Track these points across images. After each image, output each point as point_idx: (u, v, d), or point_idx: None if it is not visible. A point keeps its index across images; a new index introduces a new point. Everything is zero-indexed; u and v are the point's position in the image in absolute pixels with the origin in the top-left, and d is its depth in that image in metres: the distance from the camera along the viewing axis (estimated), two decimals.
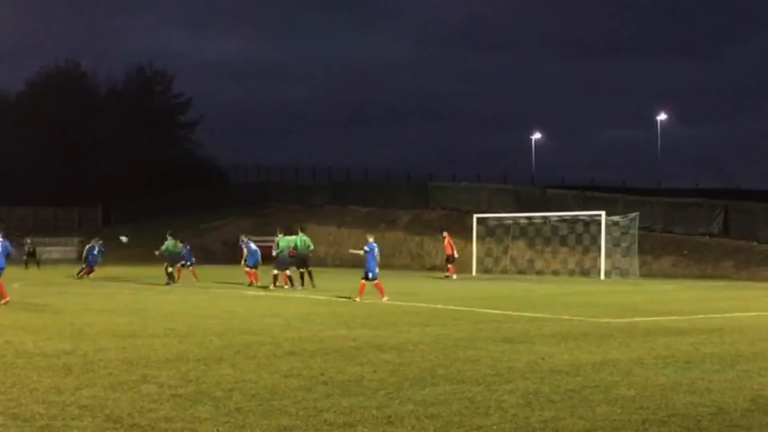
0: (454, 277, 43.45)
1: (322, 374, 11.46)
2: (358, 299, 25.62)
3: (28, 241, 57.89)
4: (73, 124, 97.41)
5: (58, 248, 71.82)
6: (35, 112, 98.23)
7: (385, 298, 25.63)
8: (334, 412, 9.05)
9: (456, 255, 44.43)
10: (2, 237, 28.73)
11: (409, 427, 8.40)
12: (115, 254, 71.57)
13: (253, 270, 34.85)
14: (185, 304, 24.43)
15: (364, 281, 26.20)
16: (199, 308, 22.94)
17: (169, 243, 36.92)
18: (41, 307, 23.27)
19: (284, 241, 33.13)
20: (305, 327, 17.84)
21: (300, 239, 33.54)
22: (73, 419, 8.62)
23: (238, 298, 27.67)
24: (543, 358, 13.14)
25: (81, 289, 32.39)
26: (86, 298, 27.23)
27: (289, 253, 32.96)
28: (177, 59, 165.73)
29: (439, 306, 23.93)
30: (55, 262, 65.90)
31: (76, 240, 73.12)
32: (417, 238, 62.94)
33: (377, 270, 26.40)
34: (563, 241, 50.59)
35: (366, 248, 26.49)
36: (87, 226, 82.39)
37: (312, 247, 34.66)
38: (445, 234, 46.62)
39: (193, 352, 13.53)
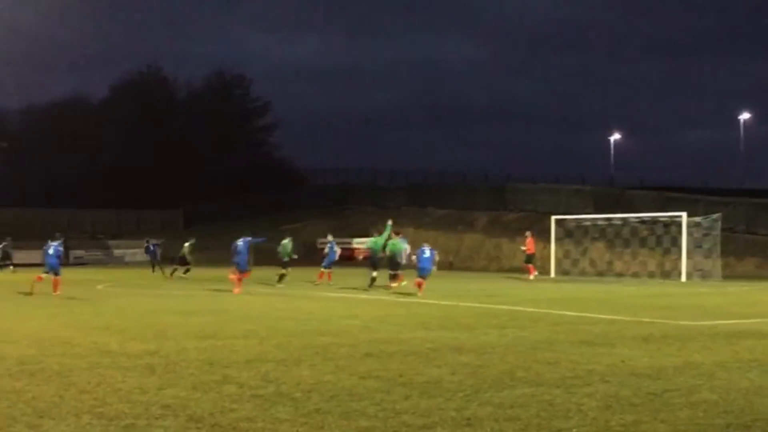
0: (531, 277, 43.23)
1: (401, 376, 11.48)
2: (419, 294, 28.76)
3: (5, 242, 57.35)
4: (155, 128, 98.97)
5: (142, 251, 72.85)
6: (118, 116, 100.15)
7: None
8: (413, 413, 9.07)
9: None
10: (58, 242, 31.81)
11: (488, 430, 8.38)
12: (197, 256, 72.61)
13: (327, 270, 36.63)
14: (264, 306, 24.67)
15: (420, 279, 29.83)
16: (278, 310, 23.13)
17: (287, 243, 39.16)
18: (125, 308, 23.70)
19: (394, 244, 33.24)
20: (383, 329, 17.90)
21: (393, 243, 33.72)
22: (156, 418, 8.78)
23: (316, 299, 27.86)
24: (623, 361, 12.99)
25: (162, 290, 32.90)
26: (167, 299, 27.67)
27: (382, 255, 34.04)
28: (256, 62, 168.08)
29: (517, 308, 23.81)
30: (139, 264, 66.89)
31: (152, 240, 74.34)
32: (494, 240, 62.70)
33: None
34: (643, 243, 49.90)
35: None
36: (169, 229, 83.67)
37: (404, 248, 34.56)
38: (528, 233, 46.39)
39: (272, 354, 13.67)
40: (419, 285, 29.62)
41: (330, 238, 38.91)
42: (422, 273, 30.28)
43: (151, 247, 50.73)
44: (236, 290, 31.00)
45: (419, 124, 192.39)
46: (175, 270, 43.37)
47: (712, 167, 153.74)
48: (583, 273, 49.30)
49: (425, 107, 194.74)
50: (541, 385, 10.86)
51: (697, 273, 44.42)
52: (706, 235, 45.60)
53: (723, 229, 46.70)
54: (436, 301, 26.22)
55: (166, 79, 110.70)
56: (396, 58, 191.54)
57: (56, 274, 30.85)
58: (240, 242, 33.20)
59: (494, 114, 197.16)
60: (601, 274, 48.93)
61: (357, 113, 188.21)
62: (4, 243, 57.31)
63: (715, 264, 44.85)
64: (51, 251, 31.68)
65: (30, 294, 29.09)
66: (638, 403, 9.73)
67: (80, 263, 69.33)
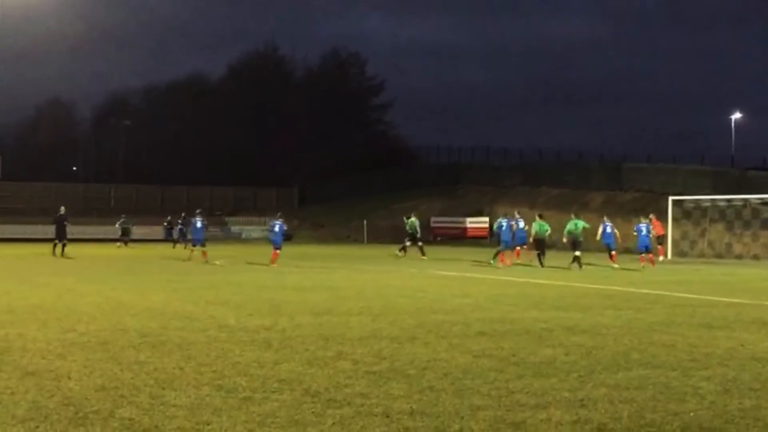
0: (661, 259, 42.39)
1: (514, 355, 11.47)
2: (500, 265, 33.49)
3: (122, 219, 58.99)
4: (271, 107, 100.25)
5: (258, 227, 74.17)
6: (236, 95, 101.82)
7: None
8: (526, 393, 9.06)
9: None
10: (281, 220, 35.55)
11: (603, 411, 8.32)
12: (307, 233, 73.58)
13: (518, 248, 38.39)
14: (377, 283, 24.86)
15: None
16: (392, 287, 23.29)
17: (414, 221, 42.64)
18: (241, 284, 24.17)
19: (572, 224, 35.65)
20: (496, 308, 17.87)
21: (538, 224, 36.59)
22: (273, 392, 8.96)
23: (429, 278, 27.93)
24: (743, 345, 12.71)
25: (279, 267, 33.42)
26: (283, 276, 28.09)
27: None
28: (371, 42, 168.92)
29: (633, 289, 23.48)
30: (255, 240, 68.09)
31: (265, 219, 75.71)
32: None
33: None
34: (764, 225, 48.46)
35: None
36: (284, 206, 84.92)
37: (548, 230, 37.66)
38: (651, 215, 45.44)
39: (386, 331, 13.79)
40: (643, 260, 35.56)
41: (518, 215, 40.27)
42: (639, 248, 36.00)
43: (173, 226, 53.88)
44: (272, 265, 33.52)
45: (533, 102, 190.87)
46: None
47: None
48: (701, 255, 48.23)
49: (539, 85, 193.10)
50: (658, 367, 10.72)
51: None
52: None
53: None
54: (549, 281, 26.04)
55: (283, 59, 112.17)
56: (509, 36, 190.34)
57: (277, 248, 34.45)
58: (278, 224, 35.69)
59: (610, 92, 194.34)
60: (719, 256, 47.80)
61: (470, 92, 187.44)
62: (121, 219, 58.85)
63: None
64: (199, 225, 37.40)
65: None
66: (758, 387, 9.52)
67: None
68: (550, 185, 70.35)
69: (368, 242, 65.60)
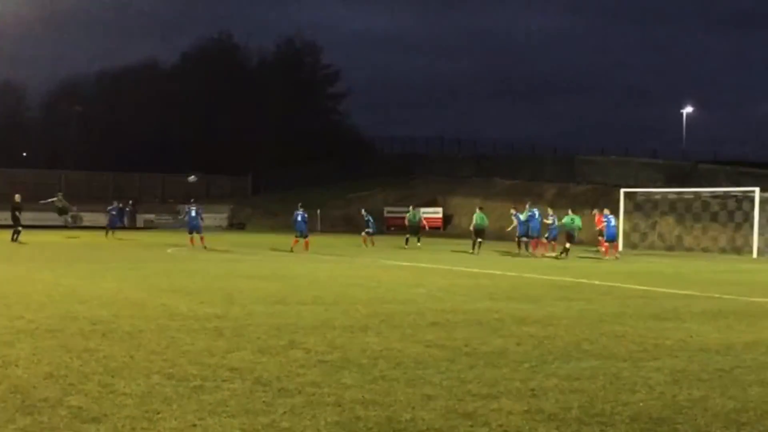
0: (603, 249, 42.80)
1: (466, 345, 11.49)
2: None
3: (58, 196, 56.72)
4: (226, 95, 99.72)
5: (211, 215, 73.66)
6: (190, 83, 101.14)
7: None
8: (478, 383, 9.08)
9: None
10: (302, 209, 38.14)
11: (554, 401, 8.36)
12: (263, 222, 73.35)
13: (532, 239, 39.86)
14: (331, 273, 24.83)
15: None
16: (345, 277, 23.27)
17: (414, 212, 44.68)
18: (194, 272, 24.02)
19: (568, 219, 37.56)
20: (449, 298, 17.90)
21: (479, 216, 39.98)
22: (224, 381, 8.90)
23: (383, 268, 27.95)
24: (692, 336, 12.85)
25: (231, 255, 33.26)
26: (236, 264, 27.96)
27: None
28: (327, 31, 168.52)
29: (585, 281, 23.65)
30: (207, 228, 67.59)
31: (227, 208, 75.21)
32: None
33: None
34: (714, 218, 49.10)
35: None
36: (237, 195, 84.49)
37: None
38: (595, 211, 45.75)
39: (339, 320, 13.76)
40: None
41: (550, 211, 41.96)
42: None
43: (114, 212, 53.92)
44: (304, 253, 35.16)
45: (488, 94, 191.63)
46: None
47: None
48: (651, 247, 48.75)
49: (495, 78, 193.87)
50: (608, 358, 10.80)
51: None
52: None
53: None
54: (501, 272, 26.17)
55: (237, 47, 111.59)
56: (466, 29, 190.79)
57: (304, 236, 37.65)
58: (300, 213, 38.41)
59: (565, 86, 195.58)
60: (670, 248, 48.35)
61: (426, 83, 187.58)
62: (57, 196, 56.73)
63: None
64: (193, 214, 38.89)
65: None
66: (706, 378, 9.63)
67: (150, 227, 70.42)
68: (503, 176, 70.70)
69: (322, 231, 65.44)
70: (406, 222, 44.88)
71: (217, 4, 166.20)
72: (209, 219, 71.69)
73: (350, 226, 64.03)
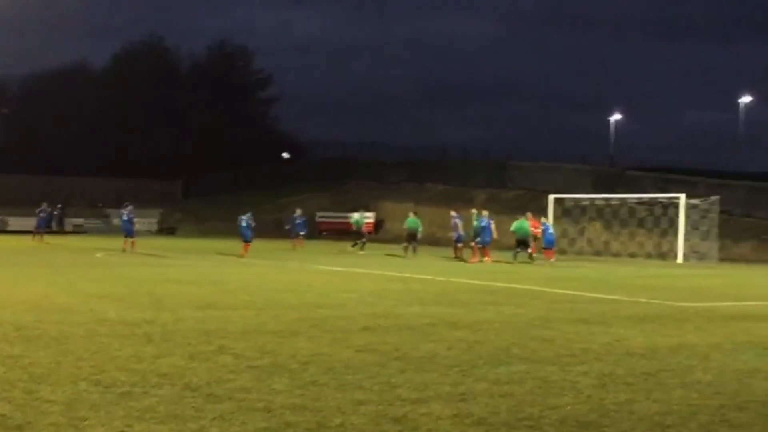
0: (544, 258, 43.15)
1: (397, 350, 11.52)
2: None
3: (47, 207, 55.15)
4: (156, 99, 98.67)
5: (141, 220, 72.81)
6: (120, 86, 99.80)
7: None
8: (408, 387, 9.11)
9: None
10: (248, 215, 37.97)
11: (483, 405, 8.41)
12: (193, 227, 72.68)
13: (481, 247, 38.44)
14: (262, 278, 24.72)
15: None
16: (276, 282, 23.19)
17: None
18: (123, 277, 23.74)
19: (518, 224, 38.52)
20: (380, 303, 17.94)
21: (411, 220, 40.74)
22: (152, 387, 8.81)
23: (314, 273, 27.90)
24: (618, 341, 13.03)
25: (161, 260, 32.95)
26: (166, 269, 27.71)
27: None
28: (260, 37, 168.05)
29: (514, 285, 23.86)
30: (137, 233, 66.76)
31: (157, 212, 74.29)
32: (494, 218, 62.55)
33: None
34: (641, 224, 49.91)
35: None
36: (168, 200, 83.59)
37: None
38: (528, 214, 46.02)
39: (269, 325, 13.71)
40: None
41: (454, 213, 41.51)
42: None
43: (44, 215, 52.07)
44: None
45: (420, 99, 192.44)
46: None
47: (713, 150, 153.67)
48: (580, 252, 49.32)
49: (427, 84, 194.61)
50: (536, 362, 10.91)
51: (694, 255, 44.51)
52: (703, 217, 45.65)
53: (720, 212, 46.76)
54: (432, 277, 26.29)
55: (168, 50, 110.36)
56: (399, 34, 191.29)
57: (247, 241, 37.23)
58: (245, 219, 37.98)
59: (497, 92, 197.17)
60: (598, 253, 48.97)
61: (359, 89, 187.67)
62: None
63: (712, 246, 44.93)
64: (125, 218, 39.02)
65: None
66: (632, 382, 9.77)
67: (79, 231, 69.38)
68: (435, 181, 71.03)
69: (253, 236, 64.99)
70: (354, 227, 45.77)
71: (148, 7, 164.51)
72: (139, 223, 71.22)
73: (282, 230, 63.74)
